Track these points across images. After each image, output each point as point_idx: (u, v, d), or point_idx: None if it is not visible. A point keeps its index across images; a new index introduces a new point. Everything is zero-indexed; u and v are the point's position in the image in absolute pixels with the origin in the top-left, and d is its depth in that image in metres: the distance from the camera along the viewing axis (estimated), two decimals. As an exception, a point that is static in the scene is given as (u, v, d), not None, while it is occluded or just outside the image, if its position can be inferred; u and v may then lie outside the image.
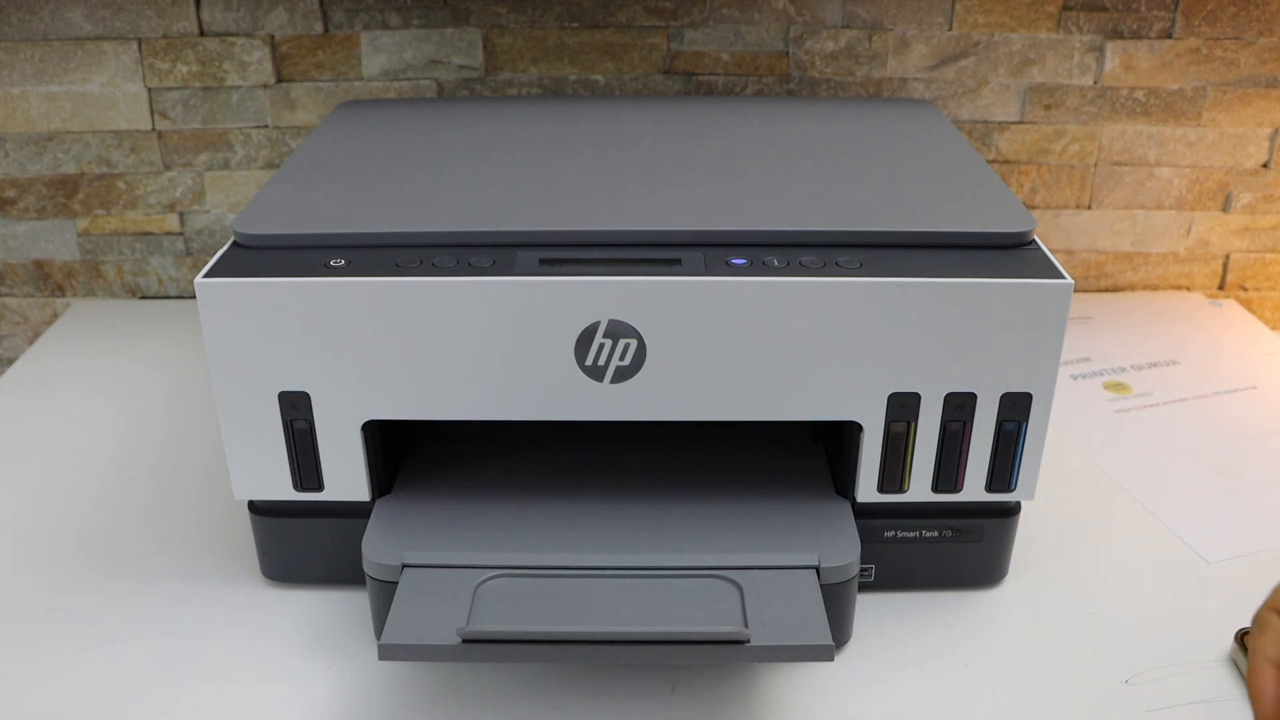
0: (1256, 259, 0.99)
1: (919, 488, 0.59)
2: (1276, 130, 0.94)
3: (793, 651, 0.50)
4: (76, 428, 0.80)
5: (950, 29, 0.90)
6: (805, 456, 0.65)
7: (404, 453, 0.65)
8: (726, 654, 0.50)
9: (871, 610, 0.61)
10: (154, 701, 0.56)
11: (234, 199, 0.97)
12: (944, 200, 0.61)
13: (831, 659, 0.50)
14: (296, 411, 0.56)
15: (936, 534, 0.61)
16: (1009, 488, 0.59)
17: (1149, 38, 0.90)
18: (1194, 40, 0.90)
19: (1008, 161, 0.95)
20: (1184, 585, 0.64)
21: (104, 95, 0.92)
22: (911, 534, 0.61)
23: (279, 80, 0.92)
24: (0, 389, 0.85)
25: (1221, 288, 1.01)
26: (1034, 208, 0.97)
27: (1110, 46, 0.90)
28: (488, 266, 0.53)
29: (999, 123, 0.94)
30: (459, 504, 0.61)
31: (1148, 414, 0.82)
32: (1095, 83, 0.92)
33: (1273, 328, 0.97)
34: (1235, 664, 0.58)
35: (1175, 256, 0.99)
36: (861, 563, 0.60)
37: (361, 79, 0.92)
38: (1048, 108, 0.93)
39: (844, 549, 0.57)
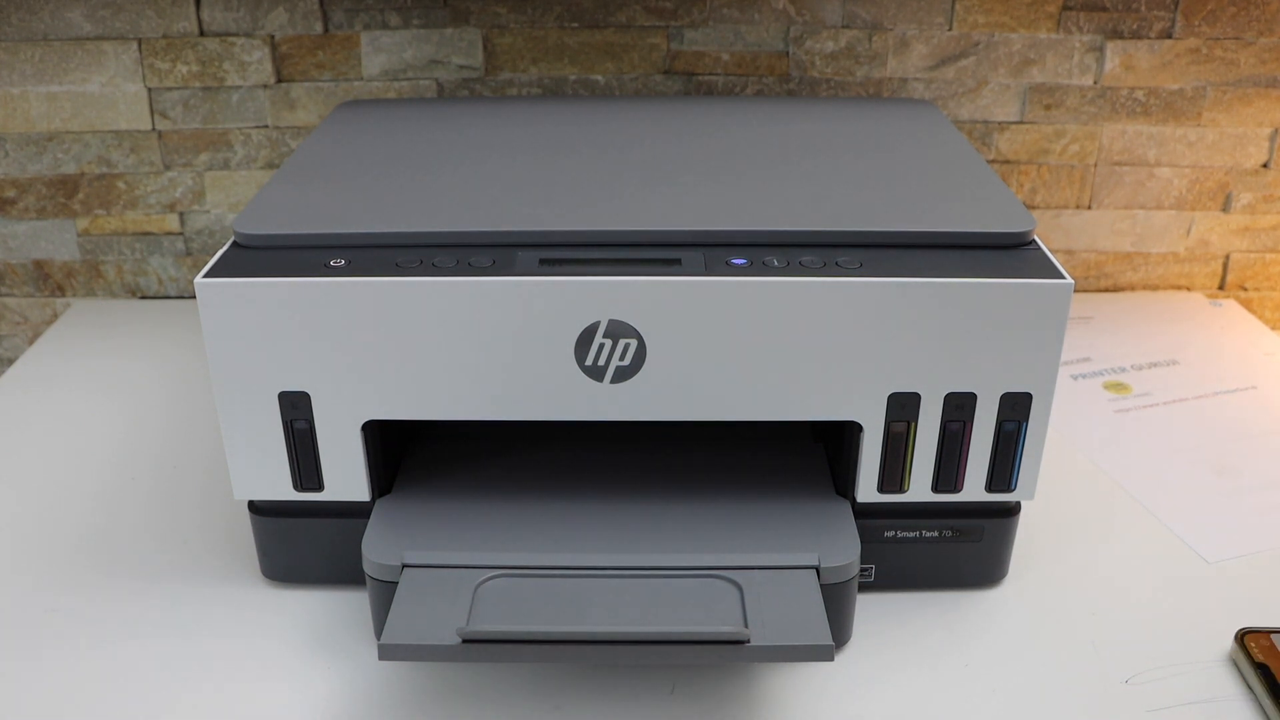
0: (1256, 259, 0.99)
1: (919, 488, 0.59)
2: (1276, 130, 0.94)
3: (793, 651, 0.50)
4: (76, 428, 0.80)
5: (950, 29, 0.90)
6: (805, 456, 0.65)
7: (404, 453, 0.65)
8: (726, 654, 0.50)
9: (871, 610, 0.61)
10: (154, 701, 0.56)
11: (234, 199, 0.97)
12: (944, 200, 0.61)
13: (831, 659, 0.50)
14: (296, 411, 0.56)
15: (936, 534, 0.61)
16: (1009, 488, 0.59)
17: (1149, 38, 0.90)
18: (1194, 40, 0.90)
19: (1008, 161, 0.95)
20: (1184, 585, 0.64)
21: (104, 95, 0.92)
22: (911, 534, 0.61)
23: (279, 80, 0.92)
24: (0, 389, 0.85)
25: (1221, 288, 1.01)
26: (1034, 208, 0.97)
27: (1110, 46, 0.90)
28: (488, 266, 0.53)
29: (999, 123, 0.94)
30: (459, 504, 0.61)
31: (1148, 414, 0.82)
32: (1095, 83, 0.92)
33: (1273, 328, 0.97)
34: (1235, 664, 0.58)
35: (1175, 256, 0.99)
36: (861, 563, 0.60)
37: (361, 79, 0.92)
38: (1048, 108, 0.93)
39: (844, 549, 0.57)
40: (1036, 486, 0.59)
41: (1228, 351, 0.90)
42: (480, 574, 0.55)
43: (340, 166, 0.66)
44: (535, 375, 0.55)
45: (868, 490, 0.59)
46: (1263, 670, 0.56)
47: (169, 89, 0.92)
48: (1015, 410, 0.56)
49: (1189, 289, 1.01)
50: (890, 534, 0.61)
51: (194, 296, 0.85)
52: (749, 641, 0.50)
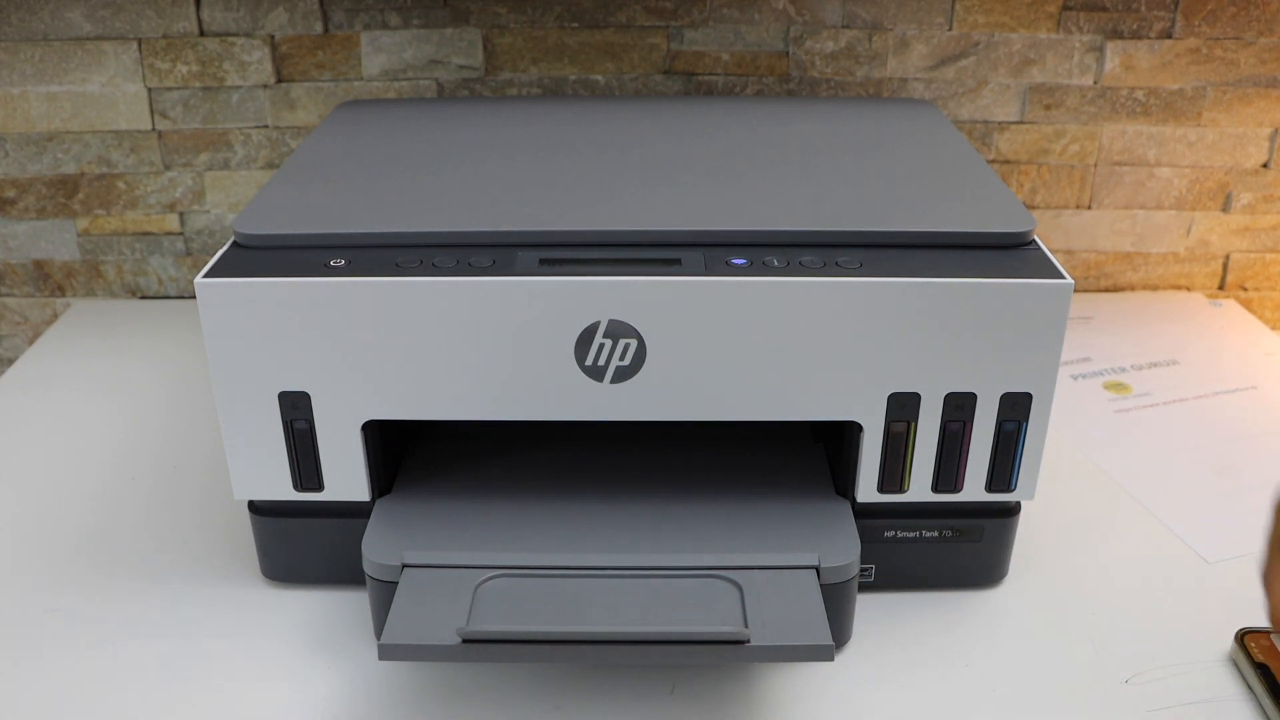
0: (1256, 259, 0.99)
1: (919, 488, 0.59)
2: (1276, 130, 0.94)
3: (793, 651, 0.50)
4: (76, 428, 0.80)
5: (950, 29, 0.90)
6: (805, 456, 0.65)
7: (404, 453, 0.65)
8: (726, 654, 0.50)
9: (871, 610, 0.61)
10: (154, 701, 0.56)
11: (234, 199, 0.97)
12: (944, 200, 0.61)
13: (831, 659, 0.50)
14: (296, 411, 0.56)
15: (936, 534, 0.61)
16: (1009, 488, 0.59)
17: (1149, 38, 0.90)
18: (1194, 40, 0.90)
19: (1008, 161, 0.95)
20: (1184, 585, 0.64)
21: (104, 95, 0.92)
22: (911, 534, 0.61)
23: (279, 80, 0.92)
24: (0, 389, 0.85)
25: (1221, 288, 1.01)
26: (1034, 208, 0.97)
27: (1110, 46, 0.90)
28: (488, 266, 0.53)
29: (999, 123, 0.94)
30: (459, 504, 0.61)
31: (1148, 414, 0.82)
32: (1095, 83, 0.92)
33: (1273, 328, 0.97)
34: (1235, 664, 0.58)
35: (1175, 256, 0.99)
36: (861, 563, 0.60)
37: (361, 79, 0.92)
38: (1048, 108, 0.93)
39: (844, 549, 0.57)
40: (1036, 486, 0.59)
41: (1228, 351, 0.90)
42: (480, 574, 0.55)
43: (340, 166, 0.66)
44: (535, 375, 0.55)
45: (868, 490, 0.59)
46: (1263, 670, 0.56)
47: (169, 89, 0.92)
48: (1015, 410, 0.56)
49: (1189, 289, 1.01)
50: (890, 534, 0.61)
51: (194, 296, 0.85)
52: (749, 641, 0.50)
